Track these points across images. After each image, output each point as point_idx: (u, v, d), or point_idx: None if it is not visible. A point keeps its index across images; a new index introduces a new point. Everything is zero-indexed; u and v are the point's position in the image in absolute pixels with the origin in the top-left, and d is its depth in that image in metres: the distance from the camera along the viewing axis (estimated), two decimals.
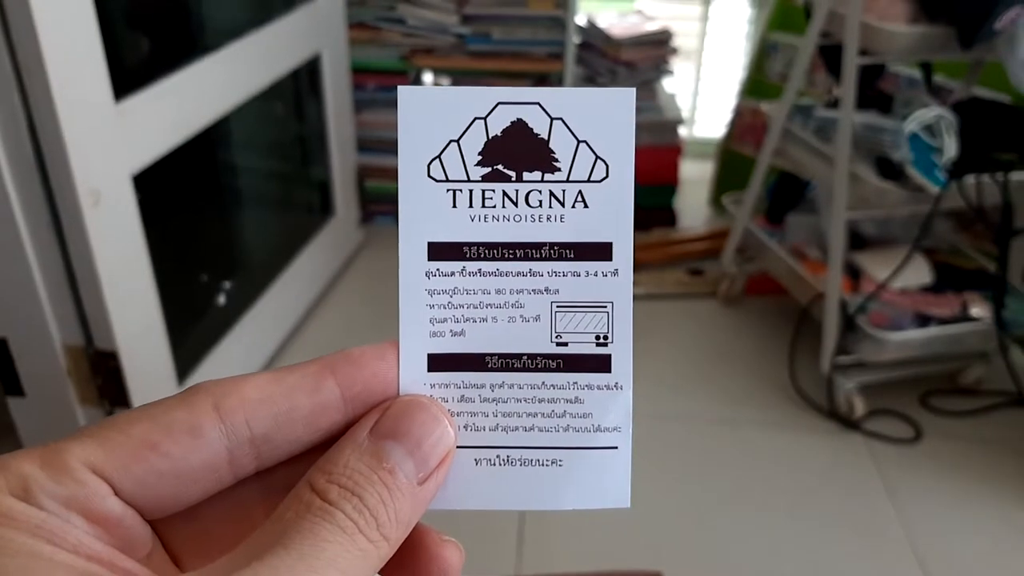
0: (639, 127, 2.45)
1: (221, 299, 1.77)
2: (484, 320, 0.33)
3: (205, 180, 1.83)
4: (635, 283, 2.22)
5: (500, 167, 0.34)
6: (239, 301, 1.78)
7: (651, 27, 2.43)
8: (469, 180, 0.33)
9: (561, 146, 0.33)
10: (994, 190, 1.61)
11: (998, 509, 1.55)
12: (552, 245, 0.33)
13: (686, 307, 2.17)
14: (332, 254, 2.23)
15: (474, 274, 0.33)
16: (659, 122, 2.46)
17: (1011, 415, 1.77)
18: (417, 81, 2.47)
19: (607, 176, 0.33)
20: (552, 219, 0.33)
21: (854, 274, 1.78)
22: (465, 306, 0.33)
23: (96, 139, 1.25)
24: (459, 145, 0.33)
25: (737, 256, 2.11)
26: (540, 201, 0.33)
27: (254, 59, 1.70)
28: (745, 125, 2.48)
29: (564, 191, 0.33)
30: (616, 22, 2.47)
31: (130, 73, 1.37)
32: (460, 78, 2.41)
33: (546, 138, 0.33)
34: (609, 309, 0.33)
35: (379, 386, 0.31)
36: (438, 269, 0.33)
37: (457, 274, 0.33)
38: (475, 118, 0.33)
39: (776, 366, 1.91)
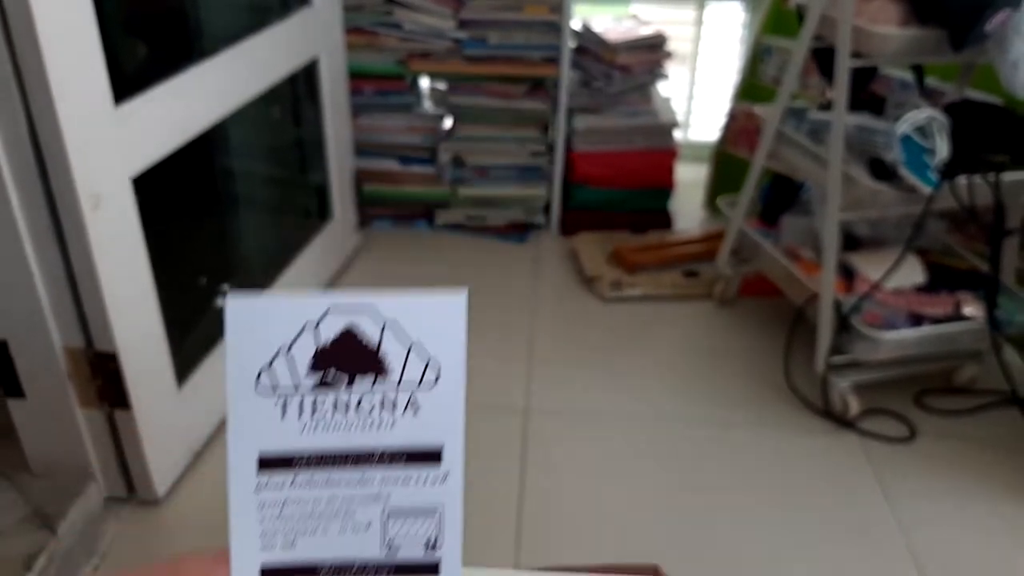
0: (636, 131, 2.46)
1: (220, 302, 1.78)
2: (315, 531, 0.34)
3: (204, 184, 1.84)
4: (632, 284, 2.25)
5: (331, 374, 0.34)
6: None
7: (646, 31, 2.44)
8: (300, 389, 0.34)
9: (392, 351, 0.34)
10: (986, 191, 1.63)
11: (991, 506, 1.56)
12: (383, 452, 0.34)
13: (681, 309, 2.18)
14: (330, 257, 2.24)
15: (305, 484, 0.34)
16: (654, 126, 2.47)
17: (1004, 414, 1.78)
18: (414, 85, 2.49)
19: (438, 380, 0.34)
20: (383, 425, 0.34)
21: (848, 274, 1.79)
22: (296, 517, 0.34)
23: (96, 142, 1.26)
24: (289, 353, 0.34)
25: (732, 258, 2.13)
26: (372, 407, 0.34)
27: (252, 63, 1.72)
28: (739, 128, 2.49)
29: (396, 397, 0.34)
30: (611, 27, 2.48)
31: (130, 77, 1.38)
32: (457, 83, 2.42)
33: (377, 343, 0.34)
34: (439, 514, 0.34)
35: None
36: (269, 481, 0.34)
37: (288, 485, 0.34)
38: (305, 324, 0.34)
39: (771, 366, 1.92)
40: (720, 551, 1.46)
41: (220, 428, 1.70)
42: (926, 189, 1.59)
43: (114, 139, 1.30)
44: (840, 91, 1.62)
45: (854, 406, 1.75)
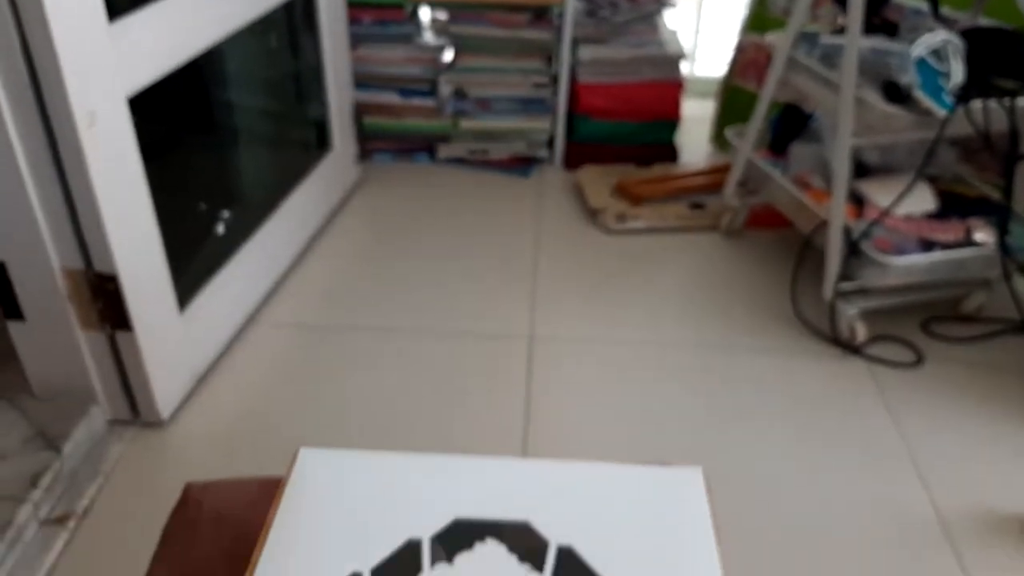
0: (642, 61, 2.41)
1: (220, 228, 1.75)
2: None
3: (203, 112, 1.81)
4: (636, 216, 2.23)
5: None
6: (238, 231, 1.77)
7: None
8: None
9: None
10: (1000, 116, 1.59)
11: (996, 427, 1.56)
12: None
13: (688, 240, 2.16)
14: (330, 189, 2.21)
15: None
16: (661, 56, 2.41)
17: (1012, 341, 1.77)
18: (414, 15, 2.43)
19: None
20: None
21: (858, 202, 1.77)
22: None
23: (91, 60, 1.22)
24: None
25: (739, 189, 2.10)
26: None
27: None
28: (747, 60, 2.44)
29: None
30: None
31: None
32: (458, 12, 2.37)
33: None
34: None
35: None
36: None
37: None
38: None
39: (778, 296, 1.91)
40: (726, 468, 1.46)
41: (223, 354, 1.69)
42: (941, 112, 1.56)
43: (108, 57, 1.26)
44: (855, 13, 1.57)
45: (861, 333, 1.74)
